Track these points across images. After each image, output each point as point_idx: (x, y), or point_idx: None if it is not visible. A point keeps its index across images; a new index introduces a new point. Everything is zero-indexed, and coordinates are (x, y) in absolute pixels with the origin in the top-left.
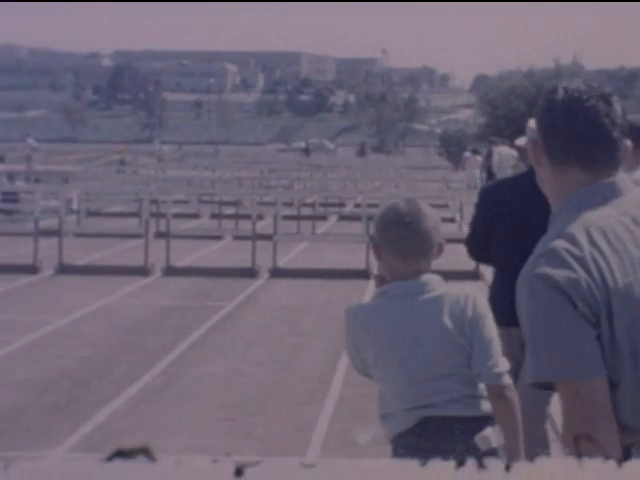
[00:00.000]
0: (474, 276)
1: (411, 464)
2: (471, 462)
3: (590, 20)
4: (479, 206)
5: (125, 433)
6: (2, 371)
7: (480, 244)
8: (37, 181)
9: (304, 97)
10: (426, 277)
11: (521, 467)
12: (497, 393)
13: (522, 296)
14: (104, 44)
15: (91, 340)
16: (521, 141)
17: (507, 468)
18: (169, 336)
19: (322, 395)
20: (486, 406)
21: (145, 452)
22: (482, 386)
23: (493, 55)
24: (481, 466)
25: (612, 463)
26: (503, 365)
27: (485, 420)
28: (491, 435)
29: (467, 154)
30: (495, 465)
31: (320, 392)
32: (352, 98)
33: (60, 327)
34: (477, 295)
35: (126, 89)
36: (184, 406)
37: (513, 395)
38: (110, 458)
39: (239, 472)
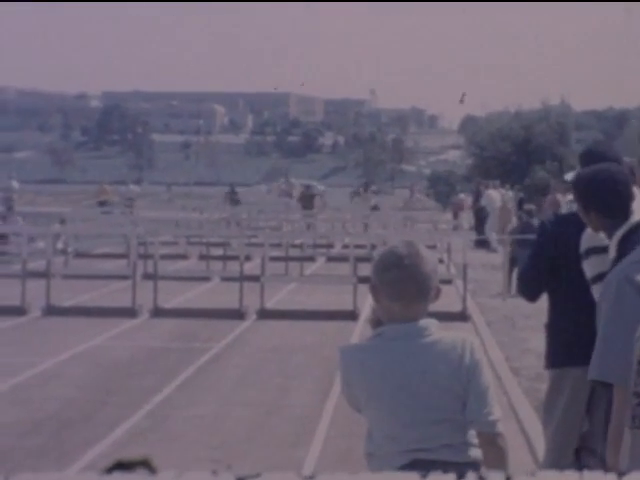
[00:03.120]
0: (462, 317)
1: (411, 477)
2: (471, 475)
3: (578, 61)
4: (542, 241)
5: None
6: None
7: (541, 280)
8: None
9: (293, 138)
10: (424, 321)
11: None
12: (489, 441)
13: (608, 295)
14: (92, 85)
15: (78, 382)
16: (569, 176)
17: None
18: (156, 378)
19: (309, 436)
20: (475, 453)
21: (145, 464)
22: (472, 432)
23: (481, 95)
24: (481, 479)
25: (612, 476)
26: (497, 413)
27: (473, 466)
28: None
29: (462, 196)
30: (495, 477)
31: (307, 433)
32: (341, 139)
33: (47, 369)
34: (474, 341)
35: (115, 130)
36: (170, 448)
37: (504, 444)
38: (110, 470)
39: None
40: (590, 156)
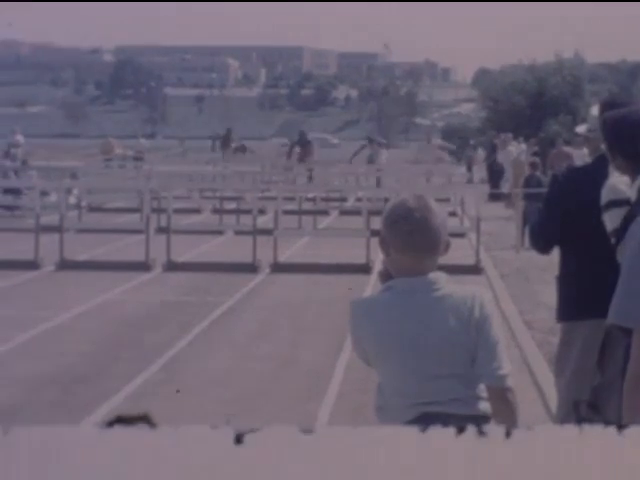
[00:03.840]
0: (475, 270)
1: (411, 431)
2: (471, 429)
3: (591, 13)
4: (555, 192)
5: None
6: (2, 367)
7: (553, 232)
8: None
9: (306, 92)
10: (433, 275)
11: (521, 434)
12: (499, 395)
13: (634, 235)
14: (106, 40)
15: (91, 336)
16: (581, 129)
17: (507, 434)
18: (170, 332)
19: (322, 391)
20: (484, 406)
21: (145, 419)
22: (482, 386)
23: (495, 48)
24: (481, 433)
25: (612, 429)
26: (507, 367)
27: (482, 419)
28: None
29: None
30: (495, 432)
31: (320, 388)
32: (354, 93)
33: (60, 323)
34: (484, 295)
35: (128, 84)
36: (184, 402)
37: (514, 398)
38: (110, 425)
39: (239, 439)
40: (613, 105)
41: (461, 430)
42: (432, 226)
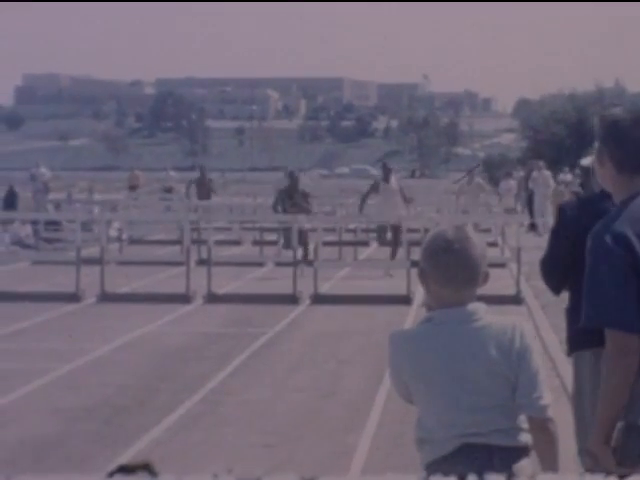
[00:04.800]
0: (516, 301)
1: None
2: (472, 477)
3: (632, 42)
4: (564, 225)
5: (164, 460)
6: (44, 399)
7: (563, 264)
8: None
9: (346, 123)
10: (473, 306)
11: None
12: (540, 425)
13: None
14: (146, 72)
15: (132, 368)
16: (586, 161)
17: None
18: (210, 363)
19: (362, 421)
20: (525, 437)
21: (147, 468)
22: (522, 417)
23: (535, 78)
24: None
25: (613, 479)
26: (547, 398)
27: (523, 451)
28: (528, 466)
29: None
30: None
31: (360, 418)
32: (394, 123)
33: (102, 355)
34: (524, 325)
35: (168, 116)
36: (224, 433)
37: (555, 428)
38: (112, 474)
39: None
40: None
41: (462, 478)
42: (472, 258)
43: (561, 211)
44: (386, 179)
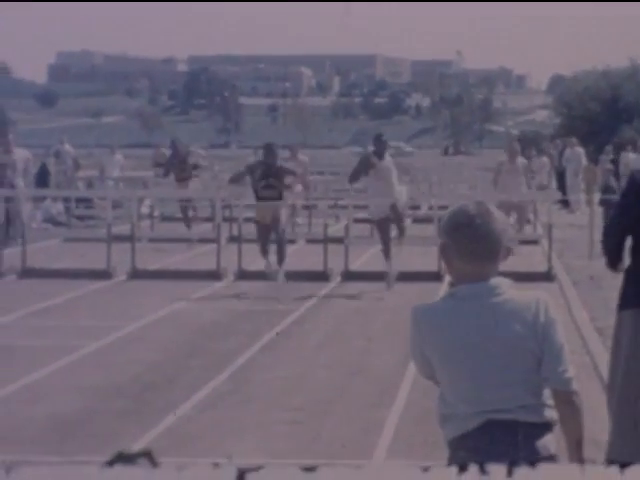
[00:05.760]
0: (547, 277)
1: (413, 469)
2: (473, 468)
3: None
4: (630, 194)
5: (192, 437)
6: (72, 376)
7: (625, 232)
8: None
9: (379, 100)
10: (495, 280)
11: (523, 473)
12: (565, 399)
13: None
14: (179, 49)
15: (162, 345)
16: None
17: (509, 473)
18: (240, 340)
19: (390, 398)
20: (550, 414)
21: (147, 456)
22: (547, 393)
23: (570, 55)
24: (483, 472)
25: (614, 469)
26: (572, 371)
27: (547, 427)
28: (552, 442)
29: (544, 159)
30: (497, 471)
31: (388, 395)
32: (427, 100)
33: (131, 332)
34: (548, 299)
35: (202, 94)
36: (252, 410)
37: (580, 401)
38: (112, 462)
39: (241, 476)
40: None
41: (463, 469)
42: (494, 232)
43: (631, 178)
44: (380, 155)
